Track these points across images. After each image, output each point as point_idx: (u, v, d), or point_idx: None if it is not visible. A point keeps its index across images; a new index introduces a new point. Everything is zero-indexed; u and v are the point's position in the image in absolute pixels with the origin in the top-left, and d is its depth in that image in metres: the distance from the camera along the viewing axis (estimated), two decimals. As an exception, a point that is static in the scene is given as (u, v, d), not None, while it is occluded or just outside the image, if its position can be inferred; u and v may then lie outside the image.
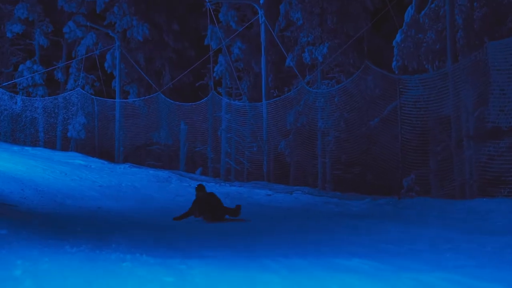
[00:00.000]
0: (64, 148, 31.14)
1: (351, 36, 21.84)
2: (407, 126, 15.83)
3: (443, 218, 10.06)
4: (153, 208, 16.17)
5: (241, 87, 26.33)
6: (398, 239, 7.96)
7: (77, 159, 26.83)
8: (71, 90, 31.16)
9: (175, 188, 20.49)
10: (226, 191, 19.09)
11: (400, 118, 15.69)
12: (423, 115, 15.78)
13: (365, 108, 19.55)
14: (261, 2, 23.48)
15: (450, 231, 8.60)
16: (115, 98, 29.67)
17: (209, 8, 25.40)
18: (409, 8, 17.70)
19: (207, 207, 12.50)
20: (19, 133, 31.06)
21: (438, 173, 15.54)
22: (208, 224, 12.14)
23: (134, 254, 6.48)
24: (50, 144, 31.09)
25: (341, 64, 22.65)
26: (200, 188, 13.28)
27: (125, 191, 20.09)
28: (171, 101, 26.89)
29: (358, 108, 20.14)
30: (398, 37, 17.05)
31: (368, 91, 20.77)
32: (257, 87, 25.83)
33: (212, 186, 21.19)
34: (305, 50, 22.68)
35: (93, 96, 30.14)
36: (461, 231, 8.51)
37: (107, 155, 29.86)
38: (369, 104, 19.53)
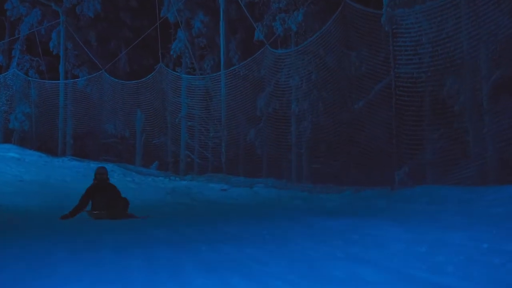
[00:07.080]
0: (8, 141, 27.04)
1: (332, 2, 18.04)
2: (404, 82, 11.18)
3: (470, 215, 6.01)
4: (70, 205, 12.42)
5: (203, 67, 22.41)
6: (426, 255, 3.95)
7: (11, 151, 23.09)
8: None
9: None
10: (173, 186, 15.25)
11: (394, 73, 11.24)
12: (427, 68, 11.15)
13: (351, 84, 15.44)
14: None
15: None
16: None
17: (165, -27, 21.56)
18: None
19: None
20: None
21: (448, 152, 11.14)
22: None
23: None
24: (-12, 137, 27.05)
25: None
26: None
27: (51, 186, 16.66)
28: (115, 79, 22.86)
29: (341, 86, 16.32)
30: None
31: (353, 70, 17.05)
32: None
33: (160, 181, 17.43)
34: (276, 19, 18.87)
35: (29, 78, 26.02)
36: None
37: (53, 148, 25.93)
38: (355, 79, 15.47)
